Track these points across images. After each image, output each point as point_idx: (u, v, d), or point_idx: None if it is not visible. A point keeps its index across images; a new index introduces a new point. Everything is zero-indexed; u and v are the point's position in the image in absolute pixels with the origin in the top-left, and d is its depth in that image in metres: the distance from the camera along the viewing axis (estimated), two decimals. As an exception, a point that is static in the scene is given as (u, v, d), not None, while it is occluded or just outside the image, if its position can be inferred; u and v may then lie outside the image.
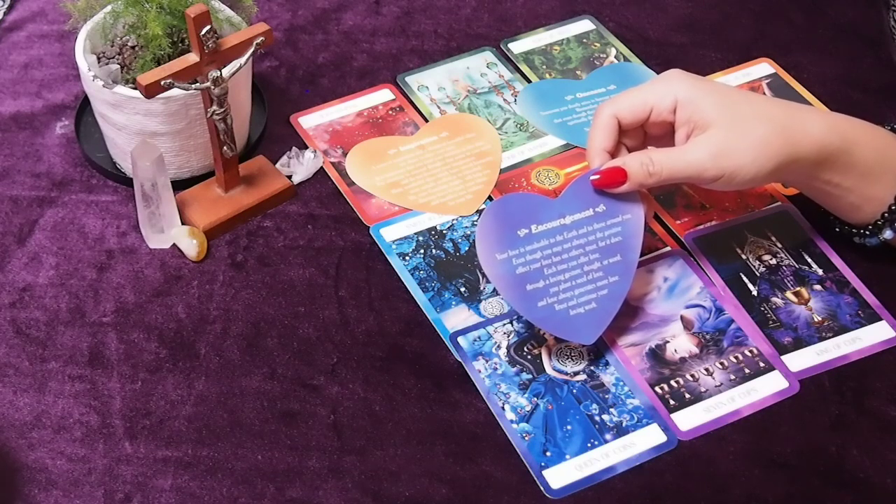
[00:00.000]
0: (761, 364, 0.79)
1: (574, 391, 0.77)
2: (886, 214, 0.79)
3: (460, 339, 0.80)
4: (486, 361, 0.78)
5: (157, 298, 0.82)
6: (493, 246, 0.75)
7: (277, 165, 0.91)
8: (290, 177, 0.90)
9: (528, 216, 0.76)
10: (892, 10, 1.03)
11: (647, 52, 1.03)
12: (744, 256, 0.85)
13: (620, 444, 0.74)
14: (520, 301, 0.75)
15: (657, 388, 0.77)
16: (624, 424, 0.75)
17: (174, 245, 0.85)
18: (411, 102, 0.98)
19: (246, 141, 0.93)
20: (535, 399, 0.76)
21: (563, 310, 0.76)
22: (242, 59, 0.80)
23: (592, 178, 0.76)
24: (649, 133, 0.80)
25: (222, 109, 0.81)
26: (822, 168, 0.77)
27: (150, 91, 0.76)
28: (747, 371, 0.78)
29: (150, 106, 0.82)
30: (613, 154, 0.78)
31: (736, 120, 0.74)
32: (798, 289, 0.83)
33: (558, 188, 0.91)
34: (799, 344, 0.80)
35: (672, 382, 0.78)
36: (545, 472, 0.73)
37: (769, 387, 0.77)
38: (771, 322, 0.81)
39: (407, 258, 0.85)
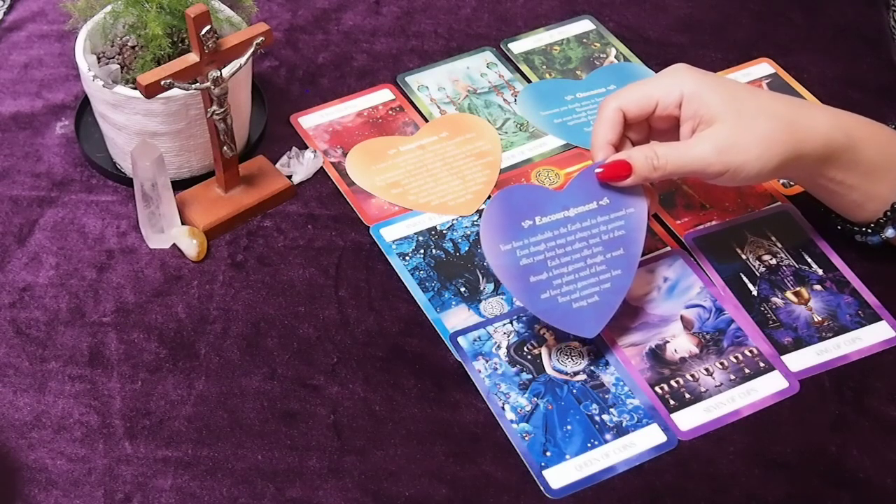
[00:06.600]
0: (761, 364, 0.79)
1: (574, 391, 0.77)
2: (889, 213, 0.79)
3: (460, 339, 0.80)
4: (486, 361, 0.78)
5: (157, 298, 0.82)
6: (498, 237, 0.75)
7: (277, 165, 0.91)
8: (290, 177, 0.90)
9: (533, 208, 0.76)
10: (892, 10, 1.03)
11: (647, 52, 1.03)
12: (744, 256, 0.85)
13: (620, 444, 0.74)
14: (523, 293, 0.75)
15: (657, 388, 0.77)
16: (624, 424, 0.75)
17: (174, 245, 0.85)
18: (411, 102, 0.98)
19: (246, 141, 0.93)
20: (535, 399, 0.76)
21: (565, 302, 0.76)
22: (242, 59, 0.80)
23: (597, 171, 0.76)
24: (654, 127, 0.80)
25: (222, 109, 0.81)
26: (826, 165, 0.77)
27: (150, 91, 0.76)
28: (747, 371, 0.78)
29: (150, 106, 0.82)
30: (618, 148, 0.78)
31: (741, 115, 0.74)
32: (798, 289, 0.83)
33: (558, 188, 0.90)
34: (799, 344, 0.80)
35: (672, 382, 0.77)
36: (545, 472, 0.73)
37: (769, 387, 0.77)
38: (771, 322, 0.81)
39: (407, 258, 0.85)
